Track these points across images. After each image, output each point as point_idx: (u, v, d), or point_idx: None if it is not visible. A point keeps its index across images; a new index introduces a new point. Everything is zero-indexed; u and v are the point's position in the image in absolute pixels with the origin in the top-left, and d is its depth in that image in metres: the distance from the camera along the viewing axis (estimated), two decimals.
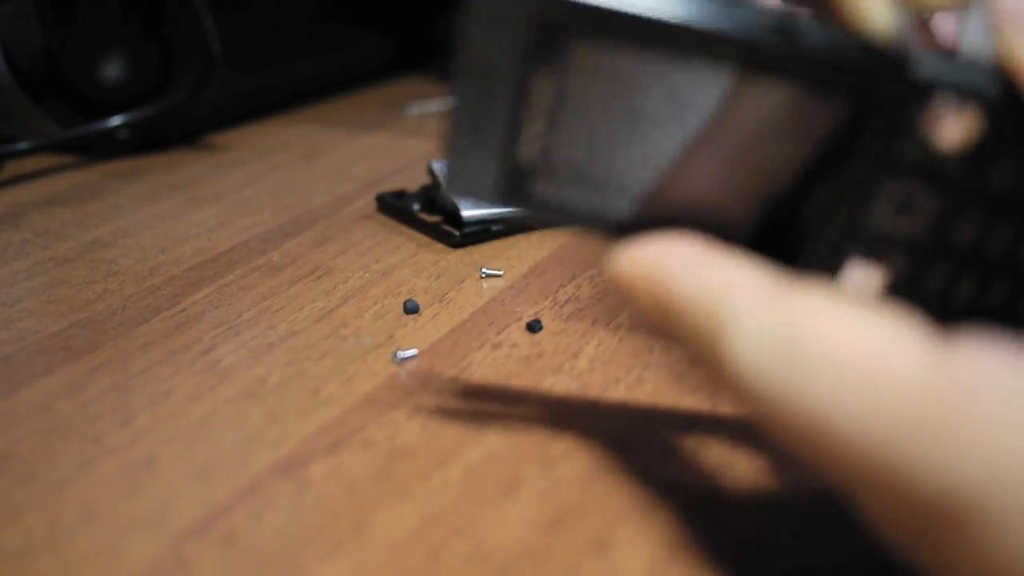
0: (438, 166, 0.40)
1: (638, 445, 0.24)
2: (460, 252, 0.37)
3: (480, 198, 0.20)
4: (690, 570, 0.20)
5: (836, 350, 0.16)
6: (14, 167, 0.47)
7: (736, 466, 0.23)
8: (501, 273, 0.35)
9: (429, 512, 0.22)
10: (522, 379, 0.27)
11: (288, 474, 0.23)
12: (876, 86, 0.18)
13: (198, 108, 0.49)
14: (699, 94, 0.18)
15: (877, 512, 0.17)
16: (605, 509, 0.22)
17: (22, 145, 0.46)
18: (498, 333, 0.30)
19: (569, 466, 0.23)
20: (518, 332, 0.30)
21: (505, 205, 0.20)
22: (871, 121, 0.18)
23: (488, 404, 0.26)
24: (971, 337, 0.16)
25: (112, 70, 0.48)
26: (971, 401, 0.15)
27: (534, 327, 0.30)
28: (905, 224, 0.19)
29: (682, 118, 0.19)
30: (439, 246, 0.37)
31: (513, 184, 0.20)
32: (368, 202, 0.42)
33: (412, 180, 0.43)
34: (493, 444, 0.24)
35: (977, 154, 0.18)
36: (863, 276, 0.19)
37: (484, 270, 0.35)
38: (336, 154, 0.50)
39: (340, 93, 0.61)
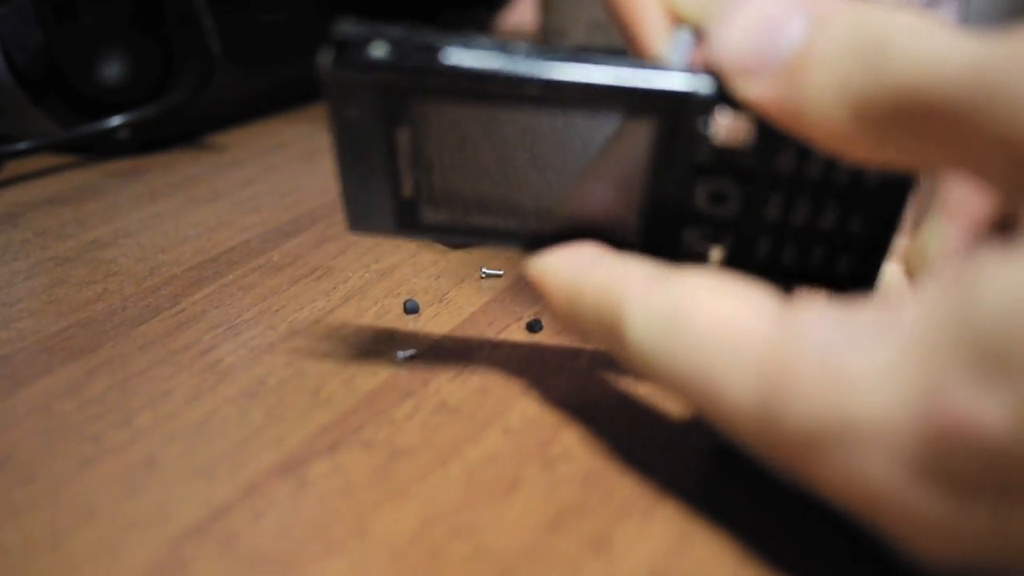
0: None
1: (639, 445, 0.24)
2: (460, 252, 0.37)
3: (380, 233, 0.24)
4: (691, 570, 0.20)
5: (704, 321, 0.19)
6: (14, 167, 0.47)
7: (740, 464, 0.23)
8: (501, 273, 0.35)
9: (429, 512, 0.22)
10: (522, 379, 0.27)
11: (288, 474, 0.23)
12: (671, 108, 0.21)
13: (198, 108, 0.49)
14: (523, 128, 0.22)
15: (760, 450, 0.19)
16: (605, 509, 0.22)
17: (22, 145, 0.46)
18: (498, 333, 0.30)
19: (569, 466, 0.23)
20: (518, 332, 0.30)
21: (405, 237, 0.24)
22: (675, 135, 0.22)
23: (488, 404, 0.26)
24: (804, 299, 0.19)
25: (112, 70, 0.48)
26: (795, 355, 0.18)
27: (534, 327, 0.30)
28: (723, 210, 0.23)
29: (525, 147, 0.22)
30: (439, 246, 0.37)
31: (406, 219, 0.24)
32: None
33: None
34: (493, 444, 0.24)
35: (760, 149, 0.21)
36: (708, 256, 0.23)
37: (484, 270, 0.35)
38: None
39: None
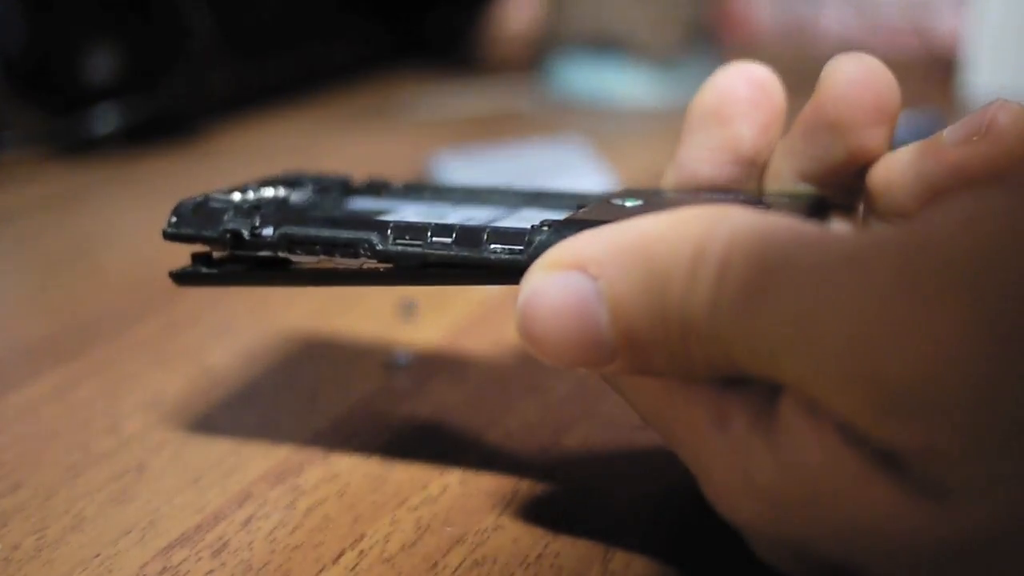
0: (438, 162, 0.39)
1: (639, 448, 0.24)
2: None
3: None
4: (691, 573, 0.20)
5: None
6: (4, 169, 0.46)
7: None
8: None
9: (427, 519, 0.21)
10: (521, 382, 0.27)
11: (282, 481, 0.23)
12: None
13: (190, 103, 0.49)
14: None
15: None
16: (605, 513, 0.21)
17: (9, 137, 0.46)
18: (497, 335, 0.30)
19: (569, 470, 0.23)
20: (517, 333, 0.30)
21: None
22: None
23: (486, 407, 0.26)
24: None
25: (102, 64, 0.47)
26: None
27: None
28: None
29: None
30: None
31: None
32: None
33: (409, 177, 0.42)
34: (491, 448, 0.24)
35: None
36: None
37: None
38: (332, 151, 0.49)
39: (336, 89, 0.61)
